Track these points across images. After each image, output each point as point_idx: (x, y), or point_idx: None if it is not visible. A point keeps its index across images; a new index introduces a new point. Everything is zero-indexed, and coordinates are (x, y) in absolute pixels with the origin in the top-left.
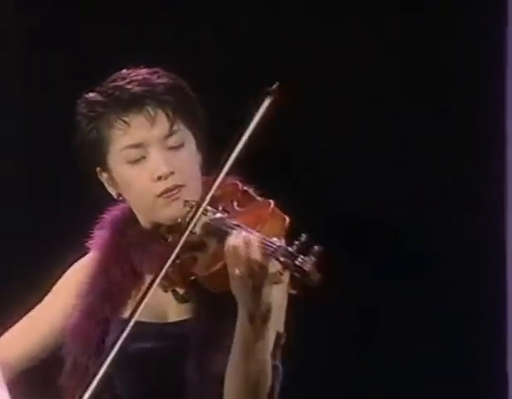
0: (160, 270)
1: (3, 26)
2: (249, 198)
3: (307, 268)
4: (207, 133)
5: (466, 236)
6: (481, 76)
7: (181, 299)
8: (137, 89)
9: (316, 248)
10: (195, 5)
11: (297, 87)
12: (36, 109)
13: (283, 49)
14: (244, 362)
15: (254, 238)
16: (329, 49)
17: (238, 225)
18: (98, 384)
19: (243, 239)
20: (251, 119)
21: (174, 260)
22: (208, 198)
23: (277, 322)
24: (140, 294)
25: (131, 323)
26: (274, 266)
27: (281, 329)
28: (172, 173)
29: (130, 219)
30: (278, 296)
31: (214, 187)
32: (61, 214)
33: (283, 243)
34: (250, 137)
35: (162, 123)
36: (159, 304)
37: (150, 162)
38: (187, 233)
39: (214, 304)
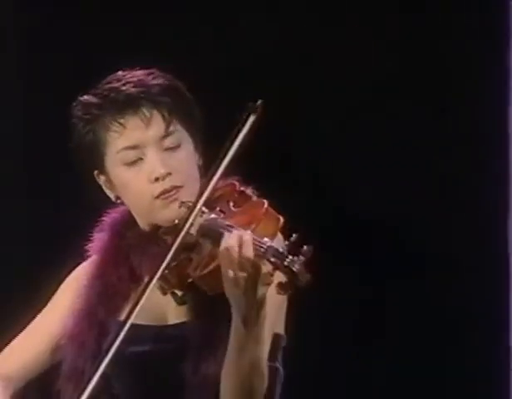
0: (156, 272)
1: (3, 26)
2: (245, 198)
3: (295, 269)
4: (205, 133)
5: (466, 236)
6: (481, 76)
7: (180, 301)
8: (132, 90)
9: (306, 248)
10: (195, 5)
11: (297, 87)
12: (36, 109)
13: (283, 49)
14: (238, 364)
15: (247, 238)
16: (329, 49)
17: (232, 226)
18: (95, 385)
19: (237, 241)
20: (235, 137)
21: (170, 262)
22: (202, 199)
23: (274, 324)
24: (136, 296)
25: (127, 326)
26: (265, 267)
27: (281, 331)
28: (169, 174)
29: (129, 221)
30: (275, 297)
31: (209, 189)
32: (61, 214)
33: (273, 243)
34: (235, 153)
35: (158, 124)
36: (158, 307)
37: (146, 164)
38: (182, 234)
39: (213, 306)
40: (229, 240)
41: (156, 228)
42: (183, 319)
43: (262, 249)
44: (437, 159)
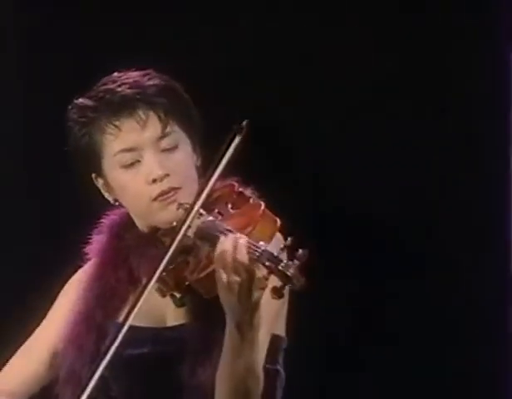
0: (154, 274)
1: (3, 26)
2: (244, 199)
3: (289, 273)
4: (203, 134)
5: (466, 236)
6: (481, 76)
7: (179, 303)
8: (128, 92)
9: (301, 252)
10: (195, 5)
11: (297, 87)
12: (36, 109)
13: (283, 49)
14: (233, 368)
15: (242, 242)
16: (329, 49)
17: (228, 229)
18: (93, 387)
19: (231, 245)
20: (221, 158)
21: (167, 264)
22: (200, 202)
23: (271, 327)
24: (134, 299)
25: (125, 328)
26: (260, 271)
27: (281, 332)
28: (167, 175)
29: (127, 223)
30: (274, 299)
31: (206, 192)
32: (61, 214)
33: (269, 247)
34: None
35: (154, 125)
36: (156, 309)
37: (144, 165)
38: (179, 237)
39: (212, 308)
40: (224, 244)
41: (155, 230)
42: (181, 321)
43: (257, 253)
44: (437, 159)
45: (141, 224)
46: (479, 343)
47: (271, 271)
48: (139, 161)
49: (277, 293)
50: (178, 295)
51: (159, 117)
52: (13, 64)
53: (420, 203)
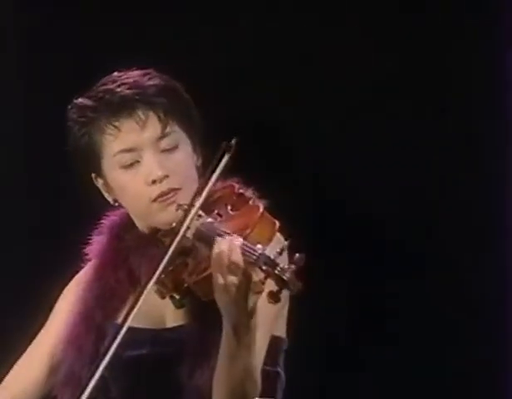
0: (153, 275)
1: (3, 26)
2: (243, 201)
3: (286, 277)
4: (204, 134)
5: (466, 236)
6: (481, 76)
7: (178, 305)
8: (127, 92)
9: (297, 256)
10: (195, 5)
11: (297, 87)
12: (36, 109)
13: (283, 49)
14: (230, 371)
15: (237, 244)
16: (329, 49)
17: (225, 231)
18: (92, 389)
19: (227, 246)
20: (209, 177)
21: (166, 266)
22: (199, 203)
23: (270, 329)
24: (133, 300)
25: (124, 329)
26: (257, 275)
27: (282, 334)
28: (166, 176)
29: (128, 223)
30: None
31: (205, 193)
32: (61, 214)
33: (266, 250)
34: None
35: (153, 126)
36: (156, 310)
37: (143, 166)
38: (178, 238)
39: (211, 309)
40: (220, 246)
41: (155, 230)
42: (180, 322)
43: (254, 257)
44: (437, 159)
45: (141, 225)
46: (479, 343)
47: (267, 275)
48: (138, 162)
49: (273, 297)
50: (177, 296)
51: (158, 117)
52: (13, 64)
53: (420, 203)
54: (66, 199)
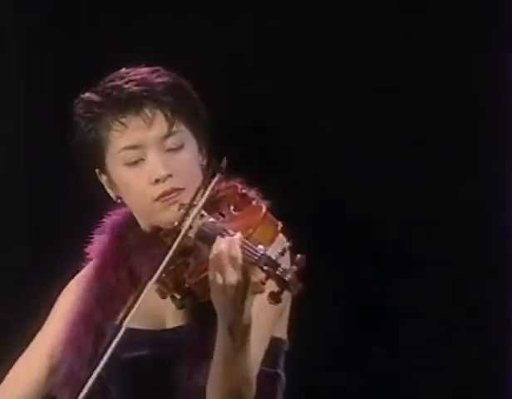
0: (153, 275)
1: (3, 26)
2: (246, 201)
3: (287, 278)
4: (210, 134)
5: (466, 236)
6: (481, 76)
7: (179, 305)
8: (135, 89)
9: (299, 257)
10: (195, 5)
11: (297, 87)
12: (36, 109)
13: (283, 49)
14: (225, 372)
15: (237, 243)
16: (329, 49)
17: (227, 231)
18: (91, 389)
19: (226, 246)
20: (201, 197)
21: (168, 265)
22: (201, 202)
23: (270, 330)
24: (133, 300)
25: (123, 329)
26: (257, 275)
27: (282, 335)
28: (170, 176)
29: (130, 222)
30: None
31: (207, 193)
32: (61, 214)
33: (268, 251)
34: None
35: (160, 124)
36: (156, 310)
37: (147, 164)
38: (179, 238)
39: (210, 310)
40: (220, 245)
41: (157, 229)
42: (180, 323)
43: (255, 257)
44: (437, 159)
45: (144, 223)
46: (479, 343)
47: (268, 275)
48: (143, 160)
49: (274, 298)
50: (178, 296)
51: (165, 116)
52: (13, 64)
53: (420, 203)
54: (66, 199)
